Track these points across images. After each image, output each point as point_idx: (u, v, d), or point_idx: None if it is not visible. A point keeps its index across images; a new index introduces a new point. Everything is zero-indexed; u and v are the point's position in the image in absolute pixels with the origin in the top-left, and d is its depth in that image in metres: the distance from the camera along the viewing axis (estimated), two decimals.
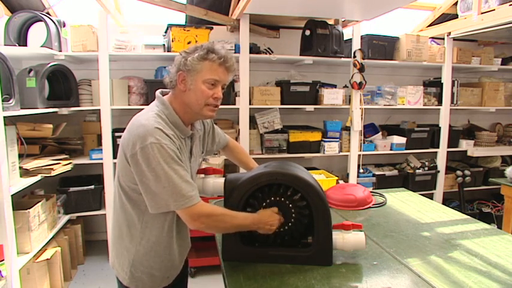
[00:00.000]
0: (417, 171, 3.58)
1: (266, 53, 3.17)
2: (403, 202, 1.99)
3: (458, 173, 3.60)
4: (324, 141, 3.30)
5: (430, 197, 3.37)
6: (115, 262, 1.31)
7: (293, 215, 1.29)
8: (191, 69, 1.21)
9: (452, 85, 3.62)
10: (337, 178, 3.07)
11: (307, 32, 3.17)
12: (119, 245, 1.28)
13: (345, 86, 3.43)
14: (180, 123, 1.24)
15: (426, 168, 3.62)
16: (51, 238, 2.48)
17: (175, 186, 1.12)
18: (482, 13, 2.94)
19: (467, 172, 3.61)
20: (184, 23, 3.26)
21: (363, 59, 3.25)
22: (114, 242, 1.32)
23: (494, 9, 2.86)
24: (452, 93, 3.63)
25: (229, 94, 3.07)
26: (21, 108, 2.17)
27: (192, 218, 1.15)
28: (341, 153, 3.39)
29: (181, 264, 1.40)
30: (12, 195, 1.92)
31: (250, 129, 3.15)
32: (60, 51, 2.71)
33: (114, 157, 2.82)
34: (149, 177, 1.12)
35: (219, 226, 1.22)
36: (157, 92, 1.30)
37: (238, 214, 1.24)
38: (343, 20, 3.25)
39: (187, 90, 1.23)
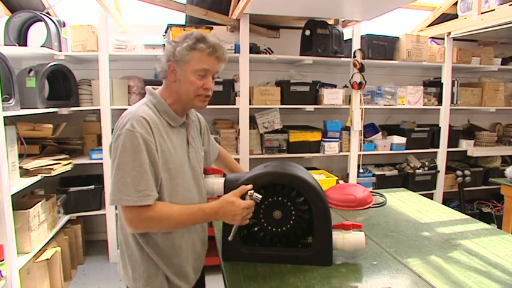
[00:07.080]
0: (417, 171, 3.58)
1: (266, 53, 3.17)
2: (403, 202, 1.99)
3: (458, 173, 3.60)
4: (324, 141, 3.30)
5: (430, 197, 3.37)
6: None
7: (293, 214, 1.29)
8: (180, 59, 1.18)
9: (452, 85, 3.61)
10: (337, 178, 3.07)
11: (307, 32, 3.16)
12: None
13: (345, 86, 3.43)
14: (170, 112, 1.22)
15: (426, 168, 3.62)
16: (51, 238, 2.48)
17: (134, 178, 1.07)
18: (482, 13, 2.95)
19: (467, 172, 3.60)
20: (184, 23, 3.25)
21: (363, 59, 3.25)
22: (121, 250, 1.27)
23: (494, 9, 2.87)
24: (452, 93, 3.63)
25: (229, 94, 3.07)
26: (21, 108, 2.17)
27: (139, 220, 1.09)
28: (341, 153, 3.38)
29: (195, 276, 1.34)
30: (12, 195, 1.92)
31: (250, 129, 3.14)
32: (60, 51, 2.71)
33: None
34: (115, 165, 1.10)
35: (164, 227, 1.16)
36: (148, 87, 1.30)
37: (190, 210, 1.16)
38: (343, 20, 3.25)
39: (177, 81, 1.21)
